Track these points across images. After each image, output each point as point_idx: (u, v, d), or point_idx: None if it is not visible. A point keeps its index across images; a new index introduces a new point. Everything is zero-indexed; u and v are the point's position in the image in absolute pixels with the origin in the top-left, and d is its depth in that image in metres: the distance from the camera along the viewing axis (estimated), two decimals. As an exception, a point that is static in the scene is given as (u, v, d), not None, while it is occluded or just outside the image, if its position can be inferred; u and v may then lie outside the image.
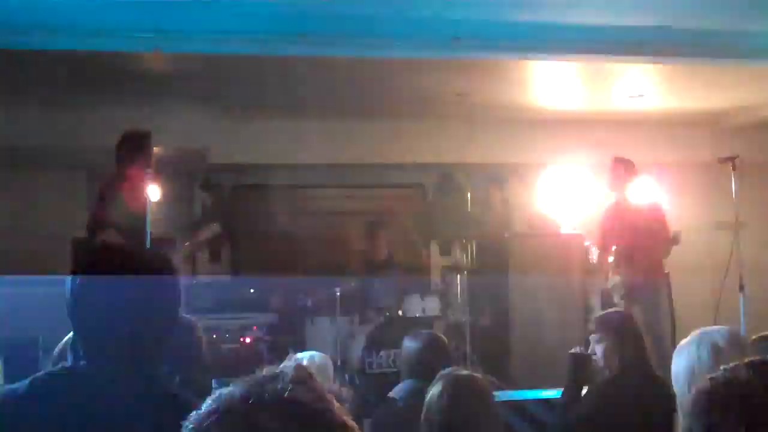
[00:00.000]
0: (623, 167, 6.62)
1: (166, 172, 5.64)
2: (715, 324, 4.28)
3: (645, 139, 7.80)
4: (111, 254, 1.97)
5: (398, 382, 4.01)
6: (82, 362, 1.81)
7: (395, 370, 5.84)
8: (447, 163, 8.54)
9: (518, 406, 5.31)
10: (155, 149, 5.39)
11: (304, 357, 3.84)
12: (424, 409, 2.90)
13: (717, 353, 2.41)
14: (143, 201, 5.07)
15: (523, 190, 8.24)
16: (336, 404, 1.22)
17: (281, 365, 1.23)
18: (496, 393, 2.91)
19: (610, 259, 6.61)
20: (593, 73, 6.80)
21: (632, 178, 6.63)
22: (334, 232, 8.71)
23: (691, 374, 2.38)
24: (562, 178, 8.25)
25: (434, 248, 9.04)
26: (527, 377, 6.35)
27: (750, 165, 6.16)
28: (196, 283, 7.97)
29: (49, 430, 1.73)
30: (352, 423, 1.21)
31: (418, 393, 3.24)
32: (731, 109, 8.13)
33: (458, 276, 7.58)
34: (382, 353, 6.80)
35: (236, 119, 7.83)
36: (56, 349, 3.49)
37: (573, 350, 4.18)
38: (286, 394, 1.17)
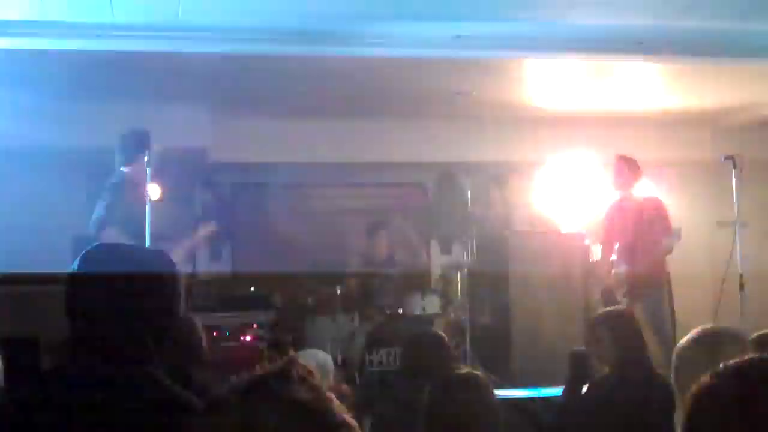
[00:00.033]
0: (627, 165, 6.62)
1: (166, 170, 5.63)
2: (715, 322, 4.28)
3: (645, 137, 7.80)
4: (111, 253, 1.98)
5: (399, 380, 4.02)
6: (80, 361, 1.81)
7: (396, 368, 5.85)
8: (447, 161, 8.54)
9: (518, 404, 5.31)
10: (155, 148, 5.40)
11: (305, 355, 3.85)
12: (425, 407, 2.90)
13: (717, 351, 2.41)
14: (143, 200, 5.08)
15: (523, 189, 8.23)
16: (336, 402, 1.22)
17: (281, 363, 1.23)
18: (496, 391, 2.91)
19: (613, 257, 6.61)
20: (593, 72, 6.79)
21: (636, 176, 6.62)
22: (334, 230, 8.72)
23: (691, 372, 2.38)
24: (562, 176, 8.25)
25: (435, 246, 9.04)
26: (527, 375, 6.35)
27: (750, 163, 6.15)
28: (196, 281, 7.97)
29: (49, 429, 1.73)
30: (352, 421, 1.22)
31: (419, 391, 3.24)
32: (732, 108, 8.13)
33: (458, 274, 7.59)
34: (382, 351, 6.81)
35: (237, 118, 7.83)
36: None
37: (573, 349, 4.19)
38: (286, 393, 1.17)
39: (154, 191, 5.27)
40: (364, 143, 8.23)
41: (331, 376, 4.14)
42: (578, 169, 8.23)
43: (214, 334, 6.74)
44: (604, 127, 7.94)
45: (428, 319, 7.20)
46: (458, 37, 5.18)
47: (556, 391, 4.71)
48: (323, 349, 5.84)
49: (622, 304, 6.18)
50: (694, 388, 1.46)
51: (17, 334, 5.21)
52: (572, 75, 6.87)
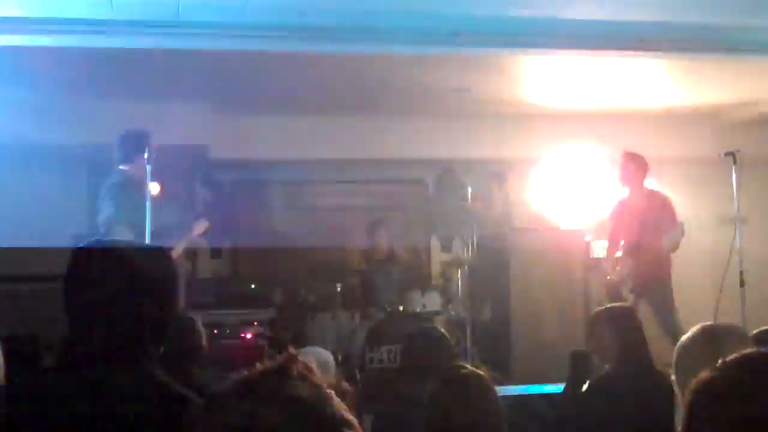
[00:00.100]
0: (633, 162, 6.60)
1: (166, 168, 5.64)
2: (715, 318, 4.28)
3: (646, 133, 7.79)
4: (111, 252, 1.97)
5: (399, 378, 4.01)
6: (79, 359, 1.81)
7: (396, 365, 5.85)
8: (447, 158, 8.54)
9: (519, 401, 5.31)
10: (155, 146, 5.41)
11: (305, 353, 3.85)
12: (425, 405, 2.89)
13: (717, 349, 2.41)
14: (143, 197, 5.10)
15: (523, 186, 8.23)
16: (337, 400, 1.22)
17: (282, 360, 1.23)
18: (497, 388, 2.90)
19: (618, 253, 6.61)
20: (593, 69, 6.78)
21: (643, 172, 6.60)
22: (334, 227, 8.71)
23: (692, 369, 2.38)
24: (561, 173, 8.25)
25: (435, 244, 9.05)
26: (528, 372, 6.36)
27: (751, 160, 6.15)
28: (196, 279, 7.98)
29: (49, 428, 1.73)
30: (352, 418, 1.21)
31: (420, 388, 3.24)
32: (732, 104, 8.12)
33: (459, 271, 7.59)
34: (383, 349, 6.81)
35: (237, 115, 7.83)
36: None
37: (573, 349, 4.19)
38: (287, 390, 1.17)
39: (153, 189, 5.28)
40: (364, 140, 8.23)
41: (332, 374, 4.13)
42: (578, 166, 8.23)
43: (215, 331, 6.75)
44: (604, 123, 7.93)
45: (429, 317, 7.20)
46: (457, 33, 5.17)
47: (556, 387, 4.71)
48: (324, 346, 5.84)
49: (629, 300, 6.19)
50: (693, 383, 1.46)
51: (17, 333, 5.21)
52: (572, 72, 6.87)
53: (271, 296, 7.73)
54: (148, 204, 5.08)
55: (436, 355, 3.79)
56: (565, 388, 4.23)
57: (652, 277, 6.37)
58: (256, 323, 7.24)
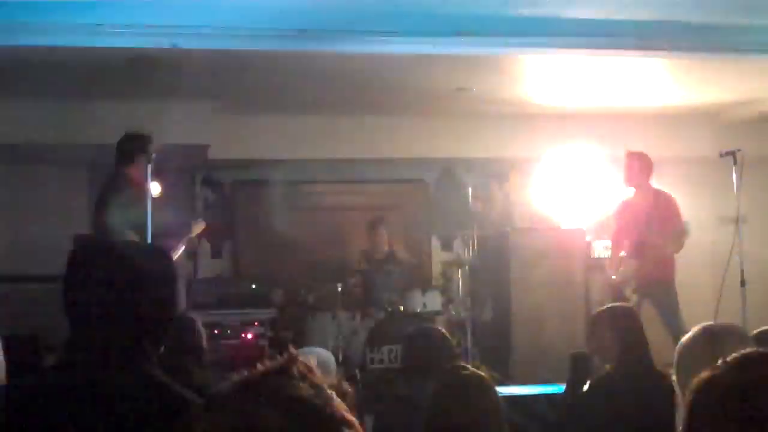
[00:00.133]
0: (638, 161, 6.59)
1: (166, 168, 5.64)
2: (716, 318, 4.27)
3: (646, 133, 7.79)
4: (110, 252, 1.97)
5: (400, 378, 4.01)
6: (79, 360, 1.81)
7: (397, 365, 5.85)
8: (448, 158, 8.54)
9: (519, 402, 5.31)
10: (155, 146, 5.41)
11: (306, 353, 3.84)
12: (426, 405, 2.89)
13: (718, 348, 2.40)
14: (144, 198, 5.10)
15: (524, 185, 8.23)
16: (337, 400, 1.22)
17: (282, 361, 1.22)
18: (498, 388, 2.90)
19: (622, 253, 6.60)
20: (594, 68, 6.78)
21: (647, 172, 6.59)
22: (334, 227, 8.71)
23: (692, 369, 2.38)
24: (562, 173, 8.24)
25: (435, 243, 9.05)
26: (528, 372, 6.35)
27: (751, 159, 6.15)
28: (197, 279, 7.98)
29: (49, 428, 1.73)
30: (353, 418, 1.21)
31: (420, 388, 3.24)
32: (732, 104, 8.12)
33: (459, 271, 7.59)
34: (383, 348, 6.81)
35: (237, 115, 7.83)
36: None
37: (574, 351, 4.19)
38: (287, 390, 1.17)
39: (153, 189, 5.28)
40: (365, 140, 8.22)
41: (333, 374, 4.13)
42: (579, 165, 8.22)
43: (215, 331, 6.75)
44: (605, 123, 7.93)
45: (429, 317, 7.20)
46: (459, 33, 5.17)
47: (557, 388, 4.70)
48: (324, 346, 5.84)
49: (632, 300, 6.19)
50: (693, 382, 1.46)
51: (18, 333, 5.22)
52: (573, 71, 6.86)
53: (271, 296, 7.73)
54: (148, 204, 5.08)
55: (437, 356, 3.79)
56: (565, 390, 4.23)
57: (656, 277, 6.37)
58: (256, 323, 7.24)
